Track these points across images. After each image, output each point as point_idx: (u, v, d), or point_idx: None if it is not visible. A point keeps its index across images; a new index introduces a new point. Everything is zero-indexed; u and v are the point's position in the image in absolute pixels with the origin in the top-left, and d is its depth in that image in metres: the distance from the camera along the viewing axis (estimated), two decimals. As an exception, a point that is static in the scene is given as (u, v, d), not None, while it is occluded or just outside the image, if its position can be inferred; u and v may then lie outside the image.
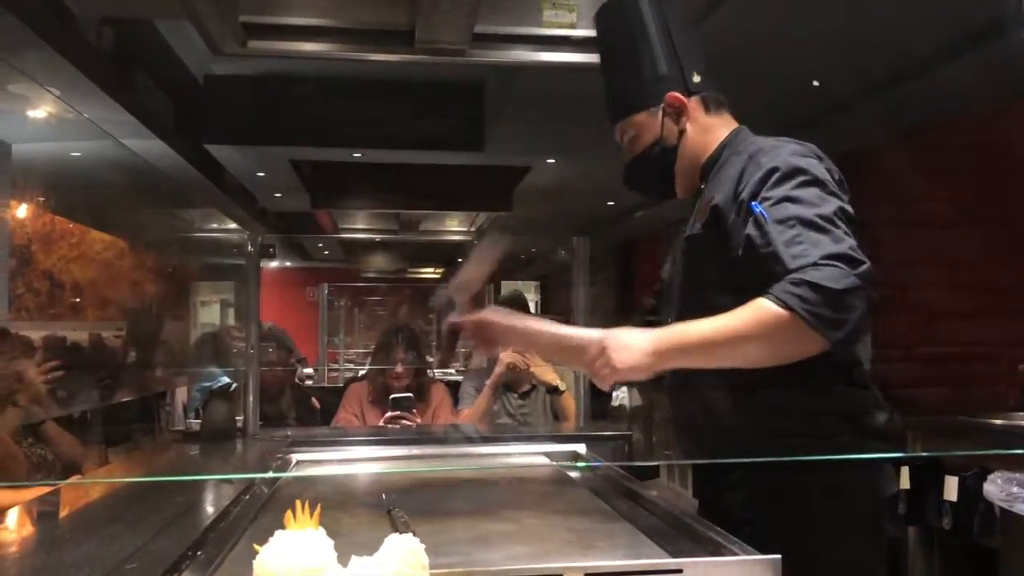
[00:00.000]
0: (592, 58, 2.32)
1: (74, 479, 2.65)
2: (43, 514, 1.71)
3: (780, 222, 1.44)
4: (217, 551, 1.30)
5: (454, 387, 3.53)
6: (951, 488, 3.30)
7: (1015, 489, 2.90)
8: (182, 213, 7.52)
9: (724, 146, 1.69)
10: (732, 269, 1.52)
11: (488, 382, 3.17)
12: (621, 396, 7.22)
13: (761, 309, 1.38)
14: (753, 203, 1.49)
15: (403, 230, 8.76)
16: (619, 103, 1.76)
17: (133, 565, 1.18)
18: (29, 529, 1.60)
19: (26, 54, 3.12)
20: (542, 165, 6.14)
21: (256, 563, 0.89)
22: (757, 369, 1.45)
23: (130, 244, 7.12)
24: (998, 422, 3.43)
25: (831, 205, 1.45)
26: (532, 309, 6.39)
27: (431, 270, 13.02)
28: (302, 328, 8.65)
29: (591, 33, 2.03)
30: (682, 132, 1.70)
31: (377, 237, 9.42)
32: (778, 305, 1.36)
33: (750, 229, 1.48)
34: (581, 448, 2.31)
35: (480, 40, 2.23)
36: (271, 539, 0.90)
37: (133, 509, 1.62)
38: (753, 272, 1.45)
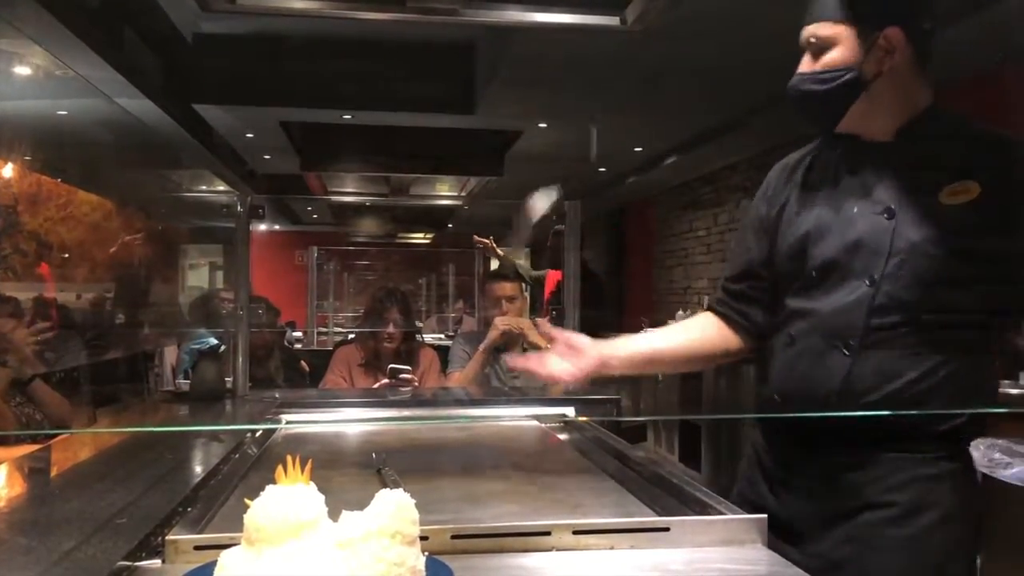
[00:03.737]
0: (586, 20, 2.30)
1: (65, 434, 2.64)
2: (33, 470, 1.71)
3: None
4: (208, 507, 1.30)
5: (442, 351, 3.54)
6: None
7: (997, 455, 2.93)
8: (171, 174, 7.46)
9: (930, 110, 1.53)
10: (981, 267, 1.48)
11: (481, 346, 3.18)
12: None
13: None
14: None
15: (393, 194, 8.72)
16: (828, 3, 1.50)
17: (123, 520, 1.18)
18: (19, 485, 1.60)
19: (13, 10, 3.07)
20: (534, 129, 6.11)
21: (247, 517, 0.89)
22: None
23: (118, 205, 7.07)
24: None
25: None
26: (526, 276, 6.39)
27: (421, 235, 12.99)
28: (291, 292, 8.64)
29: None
30: (879, 74, 1.49)
31: (367, 201, 9.38)
32: None
33: None
34: (570, 411, 2.33)
35: (473, 0, 2.21)
36: (262, 493, 0.91)
37: (123, 466, 1.62)
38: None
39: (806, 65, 1.53)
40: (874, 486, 1.46)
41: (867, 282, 1.47)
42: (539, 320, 2.66)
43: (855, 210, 1.51)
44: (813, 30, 1.51)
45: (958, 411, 1.46)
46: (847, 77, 1.48)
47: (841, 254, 1.50)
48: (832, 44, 1.49)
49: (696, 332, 1.76)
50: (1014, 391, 3.47)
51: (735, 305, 1.71)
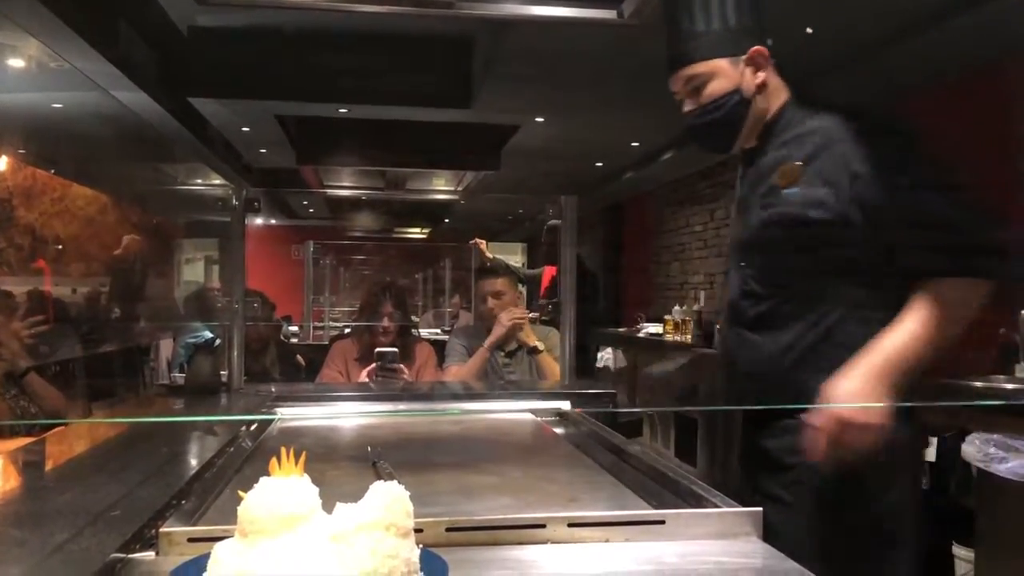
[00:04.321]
0: (583, 13, 2.30)
1: (60, 427, 2.64)
2: (27, 463, 1.70)
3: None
4: (202, 499, 1.30)
5: (438, 346, 3.54)
6: (930, 449, 3.34)
7: (992, 450, 2.93)
8: (166, 167, 7.43)
9: (784, 108, 1.71)
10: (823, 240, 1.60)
11: (486, 343, 3.19)
12: (606, 357, 7.28)
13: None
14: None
15: (389, 188, 8.70)
16: (695, 47, 1.70)
17: (117, 512, 1.18)
18: (14, 477, 1.59)
19: (7, 1, 3.05)
20: (531, 124, 6.10)
21: (241, 509, 0.89)
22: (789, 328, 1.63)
23: (113, 199, 7.05)
24: (978, 384, 3.47)
25: None
26: (519, 273, 6.40)
27: (417, 229, 12.98)
28: (287, 286, 8.62)
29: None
30: (760, 87, 1.69)
31: (363, 195, 9.36)
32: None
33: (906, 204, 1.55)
34: (566, 405, 2.33)
35: (469, -7, 2.20)
36: (256, 485, 0.90)
37: (118, 459, 1.62)
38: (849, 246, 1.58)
39: (691, 103, 1.73)
40: (777, 452, 1.66)
41: (736, 272, 1.75)
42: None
43: (734, 212, 1.81)
44: (687, 73, 1.71)
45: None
46: (736, 99, 1.68)
47: (728, 252, 1.82)
48: (710, 77, 1.69)
49: None
50: (1009, 386, 3.48)
51: None
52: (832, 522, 1.58)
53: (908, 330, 1.53)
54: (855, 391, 1.51)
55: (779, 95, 1.72)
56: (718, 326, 1.85)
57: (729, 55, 1.67)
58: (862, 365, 1.52)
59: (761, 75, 1.68)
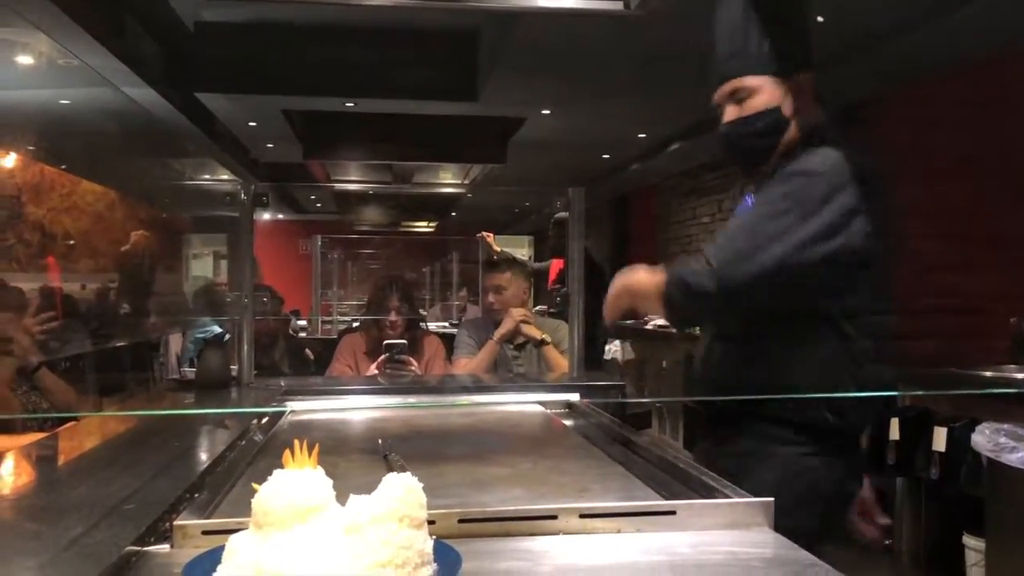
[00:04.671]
0: (589, 5, 2.29)
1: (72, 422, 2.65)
2: (41, 458, 1.72)
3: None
4: (215, 492, 1.31)
5: (446, 339, 3.55)
6: (940, 439, 3.34)
7: (1002, 439, 2.93)
8: (174, 163, 7.45)
9: (803, 138, 1.73)
10: None
11: (494, 337, 3.20)
12: (614, 349, 7.28)
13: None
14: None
15: (396, 182, 8.71)
16: (746, 62, 1.73)
17: (131, 506, 1.18)
18: (27, 472, 1.61)
19: (13, -2, 3.06)
20: (537, 116, 6.10)
21: (255, 501, 0.89)
22: (758, 322, 1.68)
23: (121, 194, 7.07)
24: (988, 374, 3.47)
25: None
26: (526, 266, 6.38)
27: (424, 223, 12.99)
28: (295, 280, 8.64)
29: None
30: (797, 111, 1.72)
31: (370, 189, 9.36)
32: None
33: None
34: (575, 397, 2.33)
35: (475, -15, 2.19)
36: (270, 478, 0.91)
37: (130, 453, 1.63)
38: None
39: (733, 113, 1.75)
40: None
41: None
42: None
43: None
44: (737, 84, 1.73)
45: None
46: (777, 115, 1.71)
47: None
48: (756, 92, 1.72)
49: None
50: (1020, 375, 3.47)
51: None
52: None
53: (643, 277, 1.74)
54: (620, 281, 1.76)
55: (811, 116, 1.75)
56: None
57: (778, 75, 1.71)
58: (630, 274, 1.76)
59: (799, 103, 1.72)
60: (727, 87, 1.75)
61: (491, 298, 3.32)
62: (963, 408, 3.31)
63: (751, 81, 1.72)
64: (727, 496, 1.24)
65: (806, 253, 1.59)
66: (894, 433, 3.49)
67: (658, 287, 1.67)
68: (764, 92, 1.71)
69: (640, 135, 6.99)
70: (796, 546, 1.11)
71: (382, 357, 3.00)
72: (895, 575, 3.65)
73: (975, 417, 3.13)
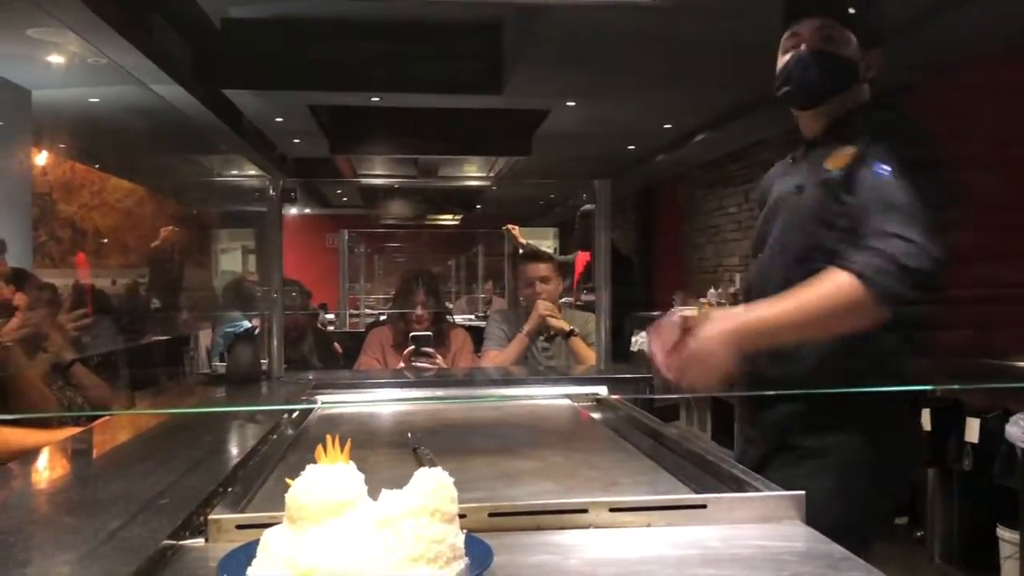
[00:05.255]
0: (614, -4, 2.28)
1: (106, 417, 2.69)
2: (76, 452, 1.74)
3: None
4: (248, 487, 1.32)
5: (472, 332, 3.56)
6: (972, 430, 3.30)
7: (1037, 430, 2.90)
8: (202, 159, 7.51)
9: (860, 111, 1.72)
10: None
11: (525, 330, 3.21)
12: (640, 341, 7.25)
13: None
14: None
15: (422, 175, 8.73)
16: (852, 16, 1.73)
17: (166, 500, 1.20)
18: (63, 466, 1.63)
19: (44, -2, 3.10)
20: (562, 108, 6.08)
21: (289, 496, 0.90)
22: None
23: (150, 191, 7.14)
24: (1021, 364, 3.42)
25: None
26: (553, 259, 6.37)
27: (450, 216, 13.00)
28: (322, 274, 8.70)
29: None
30: (865, 79, 1.74)
31: (396, 183, 9.39)
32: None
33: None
34: (602, 390, 2.33)
35: (500, -22, 2.19)
36: (303, 472, 0.92)
37: (163, 448, 1.65)
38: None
39: (815, 42, 1.71)
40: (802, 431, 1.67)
41: (784, 255, 1.72)
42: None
43: (782, 193, 1.78)
44: (828, 22, 1.71)
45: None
46: (851, 67, 1.71)
47: (769, 231, 1.78)
48: (843, 41, 1.70)
49: None
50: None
51: None
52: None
53: (781, 308, 1.53)
54: (706, 335, 1.51)
55: (862, 96, 1.76)
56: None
57: (863, 44, 1.72)
58: (728, 318, 1.54)
59: (868, 76, 1.74)
60: (819, 21, 1.72)
61: (539, 288, 3.31)
62: (996, 399, 3.27)
63: (844, 33, 1.71)
64: (758, 489, 1.23)
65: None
66: (926, 424, 3.46)
67: (851, 291, 1.46)
68: (849, 45, 1.71)
69: (666, 126, 6.95)
70: (828, 540, 1.10)
71: (408, 350, 3.02)
72: (928, 568, 3.62)
73: (1008, 408, 3.09)
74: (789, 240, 1.72)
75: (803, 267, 1.59)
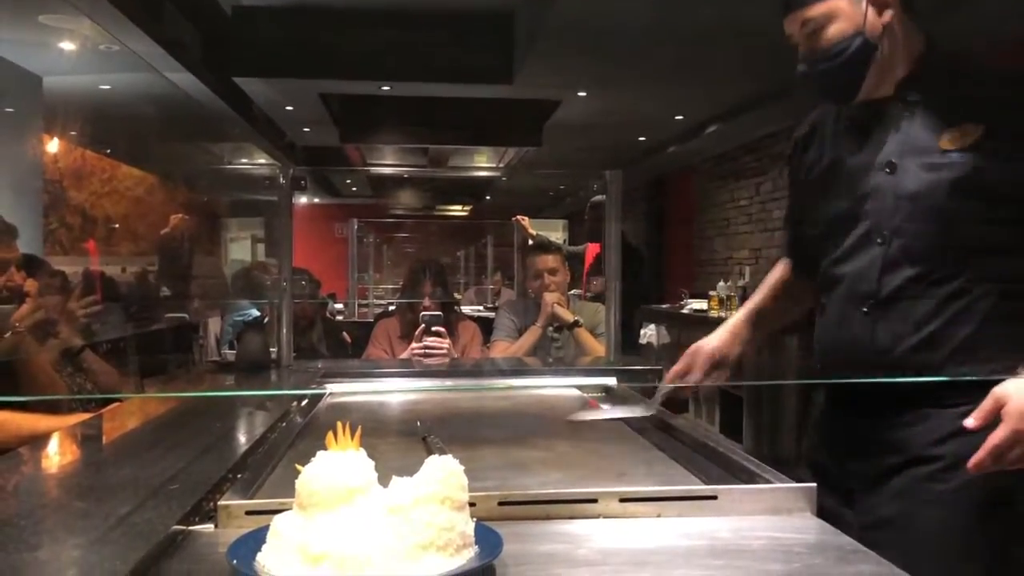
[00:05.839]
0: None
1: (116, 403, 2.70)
2: (86, 437, 1.75)
3: None
4: (258, 473, 1.32)
5: (480, 323, 3.55)
6: None
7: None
8: (212, 147, 7.53)
9: (928, 55, 1.51)
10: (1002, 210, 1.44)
11: (538, 323, 3.21)
12: (649, 334, 7.25)
13: None
14: None
15: (432, 165, 8.73)
16: None
17: (176, 486, 1.20)
18: (74, 452, 1.64)
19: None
20: (573, 98, 6.06)
21: (299, 482, 0.90)
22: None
23: (160, 179, 7.16)
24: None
25: None
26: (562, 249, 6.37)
27: (459, 207, 13.01)
28: (331, 264, 8.70)
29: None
30: (886, 27, 1.48)
31: (406, 172, 9.39)
32: None
33: None
34: (612, 381, 2.32)
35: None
36: (313, 459, 0.92)
37: (173, 434, 1.65)
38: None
39: (808, 47, 1.52)
40: (918, 441, 1.46)
41: (879, 240, 1.49)
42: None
43: (861, 169, 1.52)
44: (800, 16, 1.51)
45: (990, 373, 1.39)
46: (857, 43, 1.47)
47: (849, 215, 1.54)
48: (829, 19, 1.48)
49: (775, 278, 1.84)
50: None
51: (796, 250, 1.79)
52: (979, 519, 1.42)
53: None
54: None
55: (914, 39, 1.52)
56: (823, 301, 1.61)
57: None
58: None
59: (888, 13, 1.48)
60: (793, 23, 1.53)
61: (547, 280, 3.30)
62: None
63: (819, 8, 1.48)
64: (769, 481, 1.23)
65: None
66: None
67: None
68: (838, 18, 1.48)
69: (677, 117, 6.93)
70: (838, 532, 1.10)
71: (420, 329, 2.99)
72: None
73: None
74: (907, 228, 1.48)
75: (933, 264, 1.45)
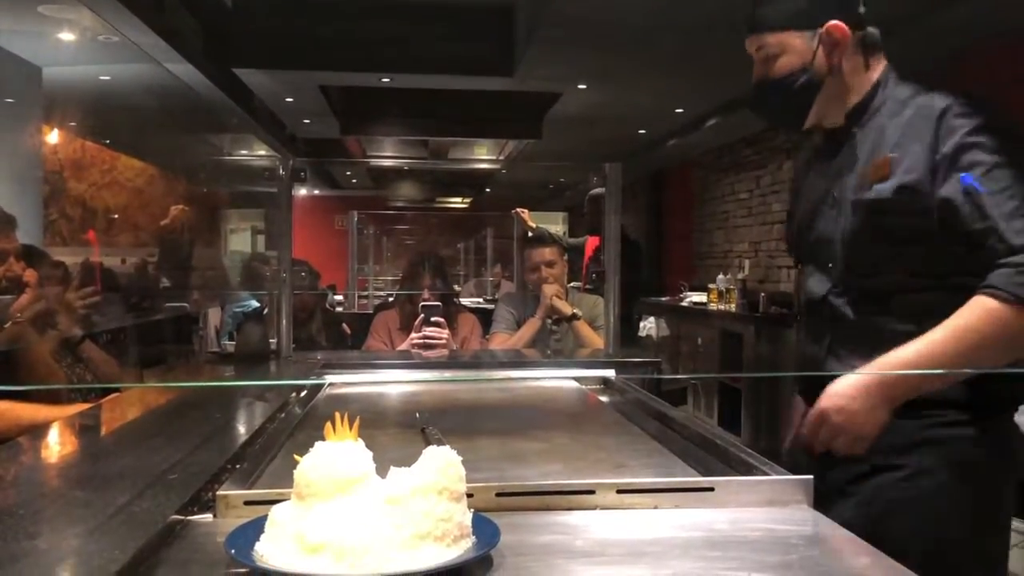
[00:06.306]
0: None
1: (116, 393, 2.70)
2: (85, 427, 1.75)
3: (997, 192, 1.37)
4: (256, 463, 1.32)
5: (479, 314, 3.55)
6: None
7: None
8: (212, 138, 7.52)
9: (878, 87, 1.56)
10: (920, 239, 1.47)
11: (537, 316, 3.21)
12: (648, 327, 7.25)
13: (992, 310, 1.35)
14: (964, 175, 1.39)
15: (432, 157, 8.73)
16: (768, 13, 1.57)
17: (175, 476, 1.20)
18: (73, 442, 1.64)
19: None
20: (573, 91, 6.06)
21: (297, 472, 0.91)
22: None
23: (160, 170, 7.15)
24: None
25: None
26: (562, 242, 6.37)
27: (459, 199, 13.00)
28: (331, 256, 8.70)
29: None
30: (832, 67, 1.54)
31: (406, 164, 9.39)
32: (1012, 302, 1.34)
33: (954, 197, 1.40)
34: (610, 373, 2.32)
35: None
36: (312, 449, 0.92)
37: (172, 425, 1.66)
38: (947, 245, 1.43)
39: (760, 72, 1.59)
40: (882, 450, 1.49)
41: (826, 269, 1.60)
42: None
43: (815, 199, 1.62)
44: (757, 40, 1.58)
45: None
46: (803, 80, 1.54)
47: (807, 244, 1.65)
48: (781, 51, 1.55)
49: None
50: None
51: None
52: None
53: (926, 347, 1.41)
54: (845, 395, 1.45)
55: (866, 74, 1.56)
56: (797, 321, 1.72)
57: (800, 28, 1.53)
58: (865, 373, 1.45)
59: (837, 54, 1.53)
60: (749, 44, 1.59)
61: (544, 272, 3.31)
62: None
63: (771, 39, 1.55)
64: (765, 473, 1.23)
65: None
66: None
67: (1006, 318, 1.35)
68: (788, 52, 1.54)
69: (677, 110, 6.92)
70: (835, 524, 1.10)
71: (419, 319, 2.98)
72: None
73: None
74: (848, 251, 1.55)
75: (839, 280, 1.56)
